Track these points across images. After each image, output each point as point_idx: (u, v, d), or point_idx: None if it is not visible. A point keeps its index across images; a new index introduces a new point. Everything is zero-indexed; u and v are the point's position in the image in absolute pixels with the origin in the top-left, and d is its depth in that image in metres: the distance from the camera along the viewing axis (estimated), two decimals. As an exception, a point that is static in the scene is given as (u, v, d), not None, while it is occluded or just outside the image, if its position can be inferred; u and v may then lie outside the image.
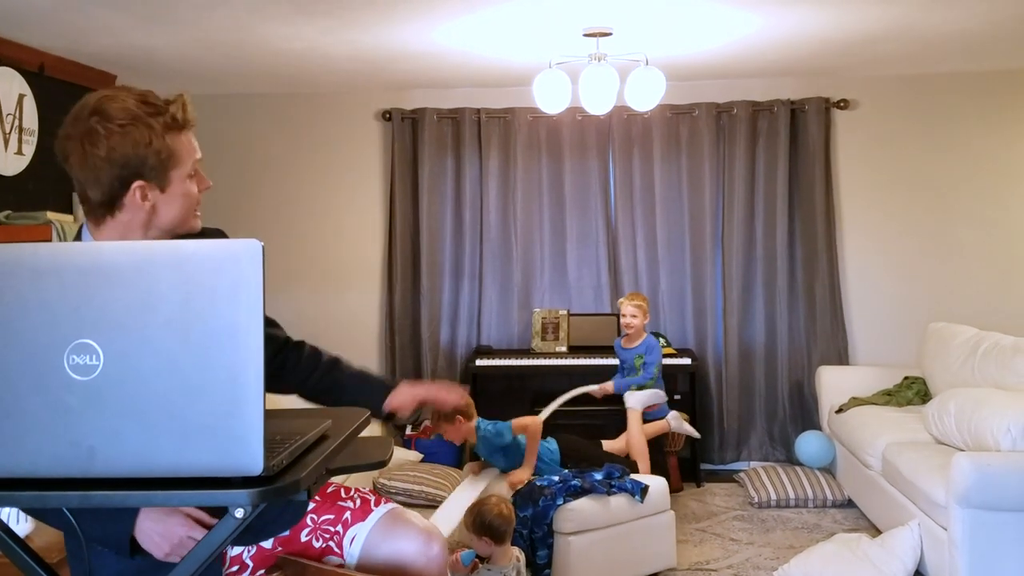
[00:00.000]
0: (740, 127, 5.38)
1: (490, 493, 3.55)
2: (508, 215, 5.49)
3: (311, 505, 1.90)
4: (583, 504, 3.69)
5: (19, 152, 4.10)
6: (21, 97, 4.10)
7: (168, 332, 1.00)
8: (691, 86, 5.39)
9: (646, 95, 3.86)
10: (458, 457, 5.22)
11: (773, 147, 5.39)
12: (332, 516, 1.91)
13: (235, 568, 1.90)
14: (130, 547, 1.52)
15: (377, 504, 1.97)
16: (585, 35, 3.82)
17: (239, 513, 1.02)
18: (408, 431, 5.45)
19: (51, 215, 3.89)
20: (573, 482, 3.74)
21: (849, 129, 5.44)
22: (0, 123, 3.98)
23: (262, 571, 1.85)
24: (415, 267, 5.53)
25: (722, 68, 5.02)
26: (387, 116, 5.52)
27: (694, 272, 5.48)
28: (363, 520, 1.92)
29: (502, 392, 5.40)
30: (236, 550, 1.89)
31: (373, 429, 4.65)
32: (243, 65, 4.72)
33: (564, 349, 5.32)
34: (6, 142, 4.02)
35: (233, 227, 6.17)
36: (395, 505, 2.00)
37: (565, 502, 3.67)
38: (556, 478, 3.83)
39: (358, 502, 1.95)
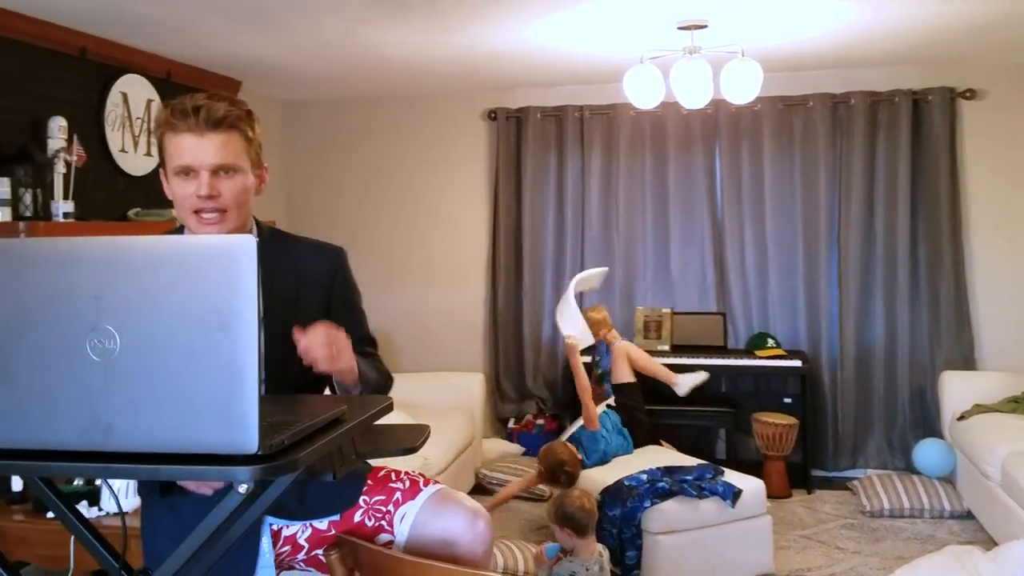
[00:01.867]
0: (858, 119, 5.15)
1: (573, 488, 3.57)
2: (610, 212, 5.47)
3: (365, 487, 1.98)
4: (671, 506, 3.64)
5: (148, 154, 4.41)
6: (149, 102, 4.41)
7: (175, 319, 1.08)
8: (804, 76, 5.21)
9: (743, 87, 3.76)
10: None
11: (894, 140, 5.14)
12: (383, 497, 1.98)
13: (287, 548, 1.99)
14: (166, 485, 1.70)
15: (426, 485, 2.02)
16: (679, 28, 3.76)
17: (242, 489, 1.09)
18: (511, 424, 5.53)
19: (175, 212, 4.17)
20: (660, 484, 3.69)
21: (977, 120, 5.12)
22: (130, 127, 4.30)
23: (318, 550, 1.94)
24: (517, 265, 5.59)
25: (837, 57, 4.82)
26: (492, 116, 5.61)
27: (807, 272, 5.29)
28: (413, 499, 1.98)
29: (603, 389, 5.38)
30: (291, 530, 1.99)
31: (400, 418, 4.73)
32: (350, 70, 4.90)
33: (667, 348, 5.25)
34: (136, 144, 4.34)
35: (347, 227, 6.47)
36: (443, 486, 2.05)
37: (652, 504, 3.63)
38: (644, 477, 3.80)
39: (407, 483, 2.02)
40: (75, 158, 3.70)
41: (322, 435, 1.21)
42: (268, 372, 1.87)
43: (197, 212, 1.79)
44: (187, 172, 1.76)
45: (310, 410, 1.30)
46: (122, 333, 1.08)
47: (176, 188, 1.79)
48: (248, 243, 1.06)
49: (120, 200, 4.25)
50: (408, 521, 1.95)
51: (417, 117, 5.77)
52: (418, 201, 5.81)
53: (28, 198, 3.51)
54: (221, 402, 1.06)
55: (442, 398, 5.10)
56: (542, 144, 5.53)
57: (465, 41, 4.19)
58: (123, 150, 4.25)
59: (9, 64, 3.56)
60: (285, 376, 1.88)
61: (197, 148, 1.74)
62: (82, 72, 3.98)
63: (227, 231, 1.82)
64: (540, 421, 5.46)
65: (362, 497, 1.97)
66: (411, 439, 1.61)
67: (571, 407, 5.29)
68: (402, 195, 5.83)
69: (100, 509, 2.92)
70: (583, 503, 3.37)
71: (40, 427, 1.09)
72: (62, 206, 3.60)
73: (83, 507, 2.90)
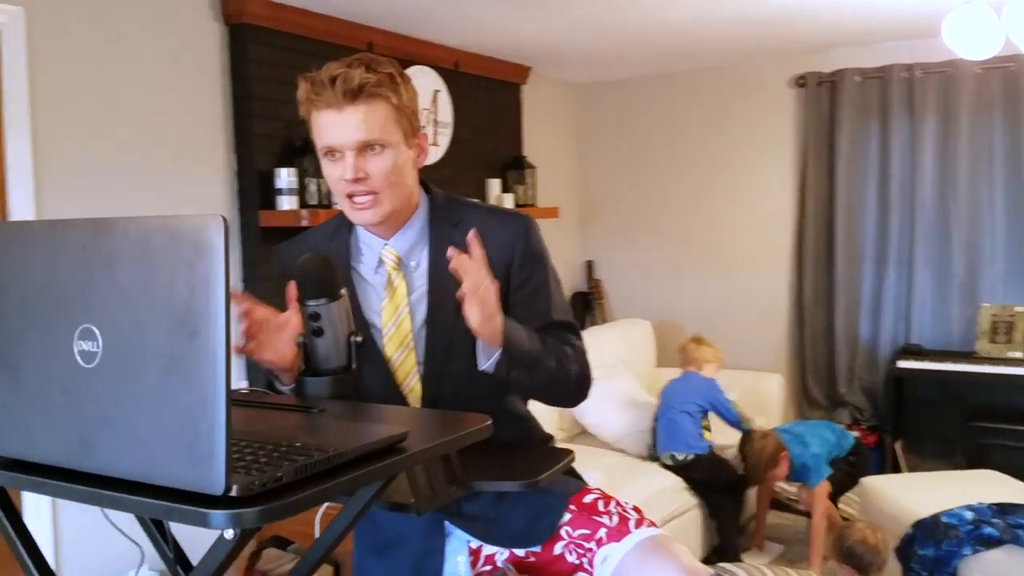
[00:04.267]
0: None
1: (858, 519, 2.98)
2: (947, 189, 4.55)
3: (567, 517, 1.71)
4: (999, 557, 2.88)
5: (434, 143, 4.46)
6: (436, 93, 4.46)
7: (149, 320, 0.87)
8: None
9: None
10: (879, 469, 4.52)
11: None
12: (587, 531, 1.70)
13: (489, 568, 1.79)
14: None
15: (638, 526, 1.69)
16: (1025, -48, 2.95)
17: (228, 535, 0.87)
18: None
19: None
20: (988, 530, 2.94)
21: None
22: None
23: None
24: (829, 250, 4.88)
25: None
26: (801, 82, 4.94)
27: None
28: (618, 541, 1.66)
29: (933, 401, 4.55)
30: (490, 549, 1.78)
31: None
32: (636, 45, 4.58)
33: (1020, 355, 4.28)
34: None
35: (638, 210, 6.16)
36: (659, 532, 1.69)
37: (974, 552, 2.91)
38: (969, 515, 3.06)
39: (615, 520, 1.70)
40: (358, 149, 3.82)
41: (350, 469, 0.95)
42: (428, 364, 1.67)
43: (350, 196, 1.62)
44: (332, 153, 1.60)
45: (366, 434, 1.04)
46: (104, 334, 0.91)
47: (326, 172, 1.64)
48: (217, 227, 0.83)
49: (408, 189, 4.35)
50: (610, 565, 1.64)
51: (711, 90, 5.27)
52: (713, 181, 5.32)
53: (313, 187, 3.68)
54: (188, 429, 0.84)
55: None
56: (861, 111, 4.76)
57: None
58: (411, 140, 4.34)
59: (298, 60, 3.74)
60: (447, 371, 1.67)
61: (337, 125, 1.56)
62: (370, 65, 4.11)
63: (383, 216, 1.64)
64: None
65: (564, 528, 1.70)
66: (535, 469, 1.29)
67: (893, 419, 4.54)
68: (696, 175, 5.37)
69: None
70: (866, 536, 2.81)
71: (35, 438, 0.95)
72: (343, 195, 3.73)
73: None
